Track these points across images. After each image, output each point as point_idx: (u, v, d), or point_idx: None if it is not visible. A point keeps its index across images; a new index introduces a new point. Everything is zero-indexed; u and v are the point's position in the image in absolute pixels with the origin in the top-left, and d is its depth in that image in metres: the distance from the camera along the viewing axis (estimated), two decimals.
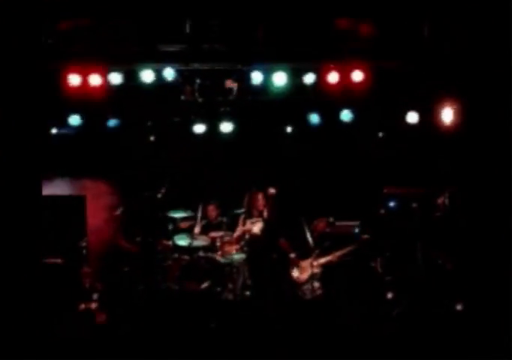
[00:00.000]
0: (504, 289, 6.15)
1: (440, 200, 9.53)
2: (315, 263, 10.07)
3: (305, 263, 10.13)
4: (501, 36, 7.47)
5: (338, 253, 10.18)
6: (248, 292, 10.22)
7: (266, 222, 10.10)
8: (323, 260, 10.15)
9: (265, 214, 10.24)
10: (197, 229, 10.73)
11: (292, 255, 10.10)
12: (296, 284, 10.02)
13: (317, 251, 10.09)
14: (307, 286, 9.99)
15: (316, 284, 9.99)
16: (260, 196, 10.37)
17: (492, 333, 6.27)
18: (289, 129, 11.34)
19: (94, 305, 9.30)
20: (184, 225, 10.77)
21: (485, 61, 8.81)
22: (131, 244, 9.97)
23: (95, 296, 9.52)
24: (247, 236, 10.32)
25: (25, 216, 5.74)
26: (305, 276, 10.07)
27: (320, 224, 10.35)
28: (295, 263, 10.15)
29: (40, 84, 9.18)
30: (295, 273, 10.08)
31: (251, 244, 10.20)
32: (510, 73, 7.31)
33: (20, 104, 5.86)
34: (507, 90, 7.94)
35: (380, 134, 11.16)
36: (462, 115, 10.08)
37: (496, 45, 8.27)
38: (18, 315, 6.11)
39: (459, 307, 8.40)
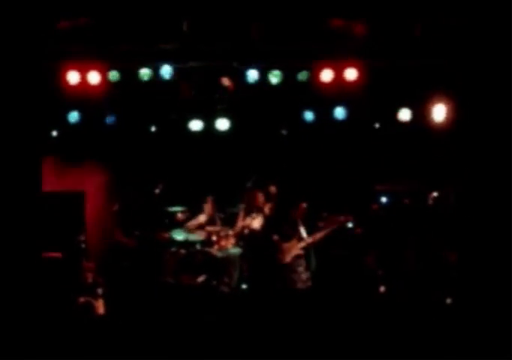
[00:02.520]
0: (504, 286, 6.23)
1: (432, 195, 9.63)
2: (297, 245, 10.13)
3: (288, 245, 10.17)
4: (495, 33, 7.58)
5: (317, 236, 10.22)
6: (243, 286, 10.35)
7: (266, 218, 10.17)
8: (303, 243, 10.19)
9: (266, 210, 10.30)
10: (191, 223, 10.94)
11: (275, 237, 10.13)
12: (282, 269, 10.04)
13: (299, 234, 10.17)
14: (295, 275, 10.04)
15: (304, 275, 10.06)
16: (259, 194, 10.43)
17: (491, 330, 6.34)
18: (284, 126, 11.47)
19: (97, 299, 9.33)
20: (181, 219, 10.92)
21: (477, 59, 8.92)
22: (129, 239, 10.10)
23: (99, 291, 9.56)
24: (246, 231, 10.44)
25: (24, 211, 5.84)
26: (288, 258, 10.12)
27: (294, 212, 10.34)
28: (278, 246, 10.18)
29: (39, 82, 9.34)
30: (279, 256, 10.12)
31: (250, 238, 10.30)
32: (505, 70, 7.42)
33: (19, 102, 5.97)
34: (501, 87, 8.05)
35: (373, 131, 11.27)
36: (454, 112, 10.23)
37: (488, 41, 8.39)
38: (18, 310, 6.18)
39: (448, 301, 8.50)
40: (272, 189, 10.25)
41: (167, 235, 10.59)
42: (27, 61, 7.23)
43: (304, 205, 10.33)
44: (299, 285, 9.98)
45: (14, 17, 6.10)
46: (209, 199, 11.11)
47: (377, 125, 11.13)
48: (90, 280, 9.64)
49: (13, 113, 6.05)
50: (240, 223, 10.40)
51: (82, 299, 9.28)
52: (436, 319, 7.83)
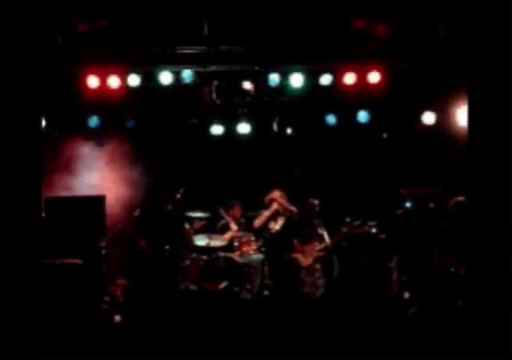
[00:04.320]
0: (507, 293, 6.09)
1: (449, 204, 9.34)
2: (317, 248, 10.07)
3: (308, 247, 10.08)
4: None
5: (333, 239, 10.12)
6: (266, 292, 10.24)
7: (288, 220, 10.05)
8: (323, 245, 10.12)
9: (289, 214, 10.08)
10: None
11: (295, 241, 10.05)
12: (301, 271, 9.98)
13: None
14: (309, 278, 9.96)
15: (319, 281, 9.97)
16: (276, 194, 10.29)
17: (494, 334, 6.20)
18: (306, 130, 11.35)
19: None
20: (198, 227, 10.78)
21: (502, 61, 8.73)
22: (151, 245, 10.00)
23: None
24: (266, 234, 10.33)
25: (25, 217, 5.72)
26: (308, 261, 10.05)
27: (306, 209, 10.23)
28: (300, 249, 10.09)
29: (55, 86, 9.32)
30: (300, 258, 10.04)
31: (271, 242, 10.18)
32: None
33: (27, 104, 5.87)
34: None
35: (397, 134, 11.15)
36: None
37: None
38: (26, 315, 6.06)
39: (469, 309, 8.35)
40: (315, 202, 10.13)
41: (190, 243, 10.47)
42: (44, 65, 7.14)
43: (315, 201, 10.19)
44: (308, 289, 9.87)
45: (31, 21, 6.01)
46: (237, 204, 10.95)
47: (400, 128, 11.02)
48: (121, 298, 9.48)
49: (21, 116, 5.93)
50: (262, 217, 10.20)
51: (103, 306, 9.20)
52: (455, 325, 7.72)
